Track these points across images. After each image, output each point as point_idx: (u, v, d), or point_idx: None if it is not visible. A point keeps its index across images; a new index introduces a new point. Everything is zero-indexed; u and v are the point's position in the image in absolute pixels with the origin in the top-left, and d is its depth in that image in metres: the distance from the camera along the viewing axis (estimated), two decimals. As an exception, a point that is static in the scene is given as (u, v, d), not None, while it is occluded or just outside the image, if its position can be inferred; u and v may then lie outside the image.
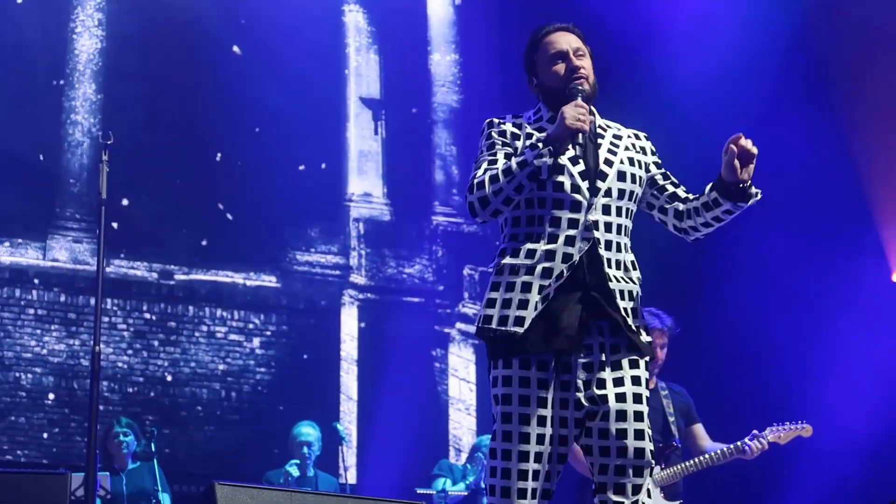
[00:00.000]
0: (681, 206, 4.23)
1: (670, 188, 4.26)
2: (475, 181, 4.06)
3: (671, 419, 7.04)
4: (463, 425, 10.53)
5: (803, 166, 9.50)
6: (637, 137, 4.29)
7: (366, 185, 11.27)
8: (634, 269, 4.14)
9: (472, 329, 10.76)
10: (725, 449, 7.00)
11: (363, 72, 11.45)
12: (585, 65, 4.19)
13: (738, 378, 9.46)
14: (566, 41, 4.21)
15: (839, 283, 9.35)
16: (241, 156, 10.56)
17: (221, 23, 10.74)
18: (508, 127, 4.19)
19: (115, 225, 9.74)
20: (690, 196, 4.25)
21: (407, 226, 11.30)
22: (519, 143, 4.13)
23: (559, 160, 4.04)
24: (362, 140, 11.35)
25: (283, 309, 10.76)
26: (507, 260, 4.08)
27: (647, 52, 10.03)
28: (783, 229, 9.47)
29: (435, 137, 11.47)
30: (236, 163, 10.56)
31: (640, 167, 4.22)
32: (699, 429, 7.22)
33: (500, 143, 4.16)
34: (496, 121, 4.23)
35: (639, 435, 4.03)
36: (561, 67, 4.17)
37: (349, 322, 11.00)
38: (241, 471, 9.76)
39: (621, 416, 4.02)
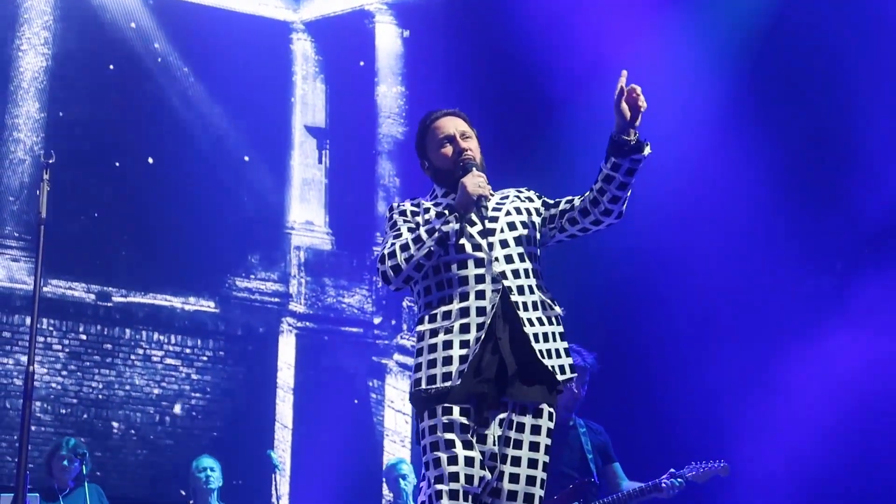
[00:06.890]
0: (580, 205, 4.38)
1: (563, 205, 4.45)
2: (386, 251, 4.31)
3: (589, 456, 7.13)
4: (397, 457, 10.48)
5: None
6: (519, 191, 4.55)
7: (308, 214, 11.27)
8: (553, 306, 4.33)
9: (409, 361, 10.81)
10: (643, 486, 7.08)
11: (309, 100, 11.46)
12: (471, 146, 4.47)
13: (657, 416, 9.50)
14: (453, 125, 4.51)
15: (759, 318, 9.41)
16: (185, 179, 10.52)
17: (169, 46, 10.72)
18: (408, 207, 4.49)
19: (53, 245, 9.66)
20: (585, 194, 4.38)
21: (348, 255, 11.30)
22: (419, 219, 4.40)
23: (466, 227, 4.27)
24: (306, 168, 11.35)
25: (221, 335, 10.71)
26: (426, 326, 4.27)
27: (588, 94, 10.08)
28: (702, 265, 9.53)
29: (379, 168, 11.49)
30: (179, 186, 10.51)
31: (529, 212, 4.45)
32: (616, 468, 7.33)
33: (402, 220, 4.43)
34: (395, 204, 4.54)
35: (530, 481, 4.20)
36: (449, 149, 4.48)
37: (286, 350, 10.97)
38: (172, 497, 9.71)
39: (515, 461, 4.20)
